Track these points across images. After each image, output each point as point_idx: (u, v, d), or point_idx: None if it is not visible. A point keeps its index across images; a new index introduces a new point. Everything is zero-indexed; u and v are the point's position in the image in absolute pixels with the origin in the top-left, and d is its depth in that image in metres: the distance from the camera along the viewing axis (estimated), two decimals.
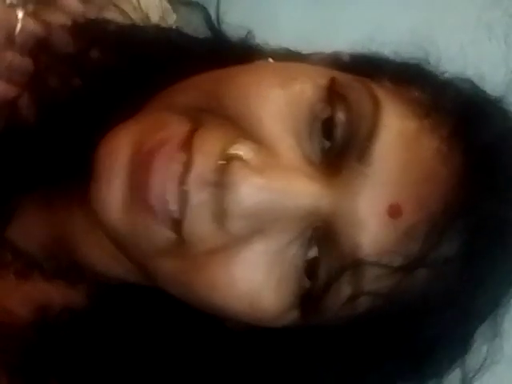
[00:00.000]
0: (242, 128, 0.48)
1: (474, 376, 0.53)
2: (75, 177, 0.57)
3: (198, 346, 0.55)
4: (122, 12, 0.65)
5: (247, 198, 0.46)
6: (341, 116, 0.49)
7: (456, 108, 0.52)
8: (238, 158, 0.46)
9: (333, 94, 0.49)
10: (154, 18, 0.67)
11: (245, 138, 0.48)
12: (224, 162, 0.46)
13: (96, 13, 0.63)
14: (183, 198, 0.46)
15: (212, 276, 0.49)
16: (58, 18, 0.61)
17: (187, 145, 0.47)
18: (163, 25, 0.67)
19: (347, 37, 0.79)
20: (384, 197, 0.48)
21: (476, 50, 0.83)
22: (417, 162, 0.49)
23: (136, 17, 0.66)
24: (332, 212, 0.48)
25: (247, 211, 0.47)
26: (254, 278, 0.49)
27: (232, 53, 0.60)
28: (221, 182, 0.46)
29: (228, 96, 0.49)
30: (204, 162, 0.46)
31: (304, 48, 0.65)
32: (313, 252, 0.49)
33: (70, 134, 0.57)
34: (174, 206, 0.47)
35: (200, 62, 0.56)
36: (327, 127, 0.49)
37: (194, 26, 0.63)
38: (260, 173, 0.46)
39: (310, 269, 0.50)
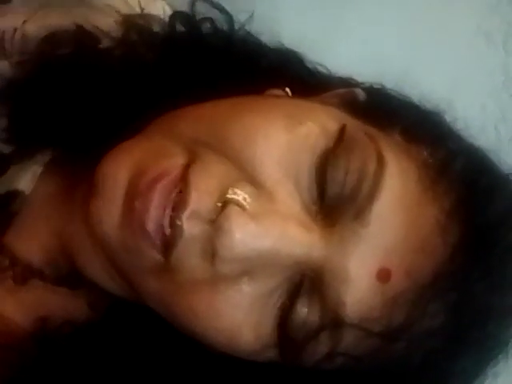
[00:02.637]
0: (242, 169, 0.48)
1: None
2: (80, 184, 0.57)
3: (180, 363, 0.55)
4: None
5: (240, 244, 0.46)
6: (343, 169, 0.48)
7: (463, 179, 0.51)
8: (235, 202, 0.46)
9: (340, 142, 0.49)
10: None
11: (244, 181, 0.48)
12: (221, 204, 0.47)
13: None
14: (176, 229, 0.47)
15: (195, 305, 0.49)
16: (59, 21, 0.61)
17: (184, 179, 0.47)
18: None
19: (348, 41, 0.79)
20: (375, 259, 0.47)
21: (475, 56, 0.83)
22: (414, 229, 0.48)
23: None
24: (322, 264, 0.48)
25: (237, 257, 0.47)
26: (235, 316, 0.49)
27: (243, 76, 0.60)
28: (215, 222, 0.47)
29: (233, 136, 0.49)
30: (200, 200, 0.47)
31: (305, 52, 0.66)
32: (298, 298, 0.49)
33: (78, 143, 0.58)
34: (167, 232, 0.47)
35: (209, 87, 0.56)
36: (327, 178, 0.48)
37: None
38: (256, 220, 0.46)
39: (293, 315, 0.49)
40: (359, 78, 0.66)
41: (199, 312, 0.49)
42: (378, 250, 0.47)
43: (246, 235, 0.46)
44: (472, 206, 0.50)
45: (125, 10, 0.65)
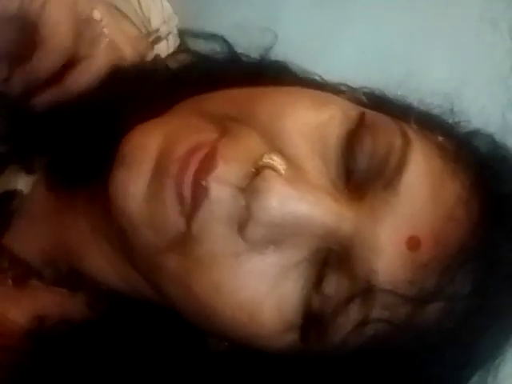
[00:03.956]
0: (272, 142, 0.49)
1: None
2: (83, 183, 0.57)
3: (177, 363, 0.54)
4: (124, 16, 0.65)
5: (279, 206, 0.46)
6: (369, 144, 0.50)
7: (478, 158, 0.54)
8: (272, 167, 0.47)
9: (363, 125, 0.50)
10: (156, 21, 0.67)
11: (277, 151, 0.48)
12: (254, 170, 0.47)
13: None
14: (201, 189, 0.47)
15: (216, 279, 0.48)
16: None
17: (215, 150, 0.47)
18: (165, 28, 0.67)
19: (350, 40, 0.79)
20: (405, 228, 0.48)
21: (480, 44, 0.83)
22: (439, 200, 0.49)
23: (137, 20, 0.66)
24: (352, 235, 0.48)
25: (273, 220, 0.46)
26: (258, 289, 0.48)
27: (265, 74, 0.61)
28: (248, 187, 0.46)
29: (262, 111, 0.50)
30: (228, 166, 0.47)
31: (307, 52, 0.65)
32: (324, 273, 0.49)
33: (86, 138, 0.57)
34: (188, 195, 0.47)
35: (233, 77, 0.58)
36: (356, 153, 0.50)
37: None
38: (292, 185, 0.47)
39: (319, 290, 0.49)
40: (364, 74, 0.65)
41: (221, 286, 0.48)
42: (408, 219, 0.48)
43: (285, 198, 0.46)
44: (489, 180, 0.52)
45: (124, 8, 0.65)
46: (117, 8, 0.65)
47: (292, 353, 0.51)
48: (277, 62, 0.64)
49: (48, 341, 0.54)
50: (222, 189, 0.47)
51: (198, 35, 0.65)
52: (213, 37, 0.64)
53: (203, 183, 0.46)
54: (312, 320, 0.49)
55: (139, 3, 0.67)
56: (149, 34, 0.66)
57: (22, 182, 0.60)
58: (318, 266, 0.49)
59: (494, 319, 0.51)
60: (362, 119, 0.50)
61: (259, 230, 0.47)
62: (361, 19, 0.80)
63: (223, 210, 0.47)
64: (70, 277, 0.57)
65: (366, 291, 0.48)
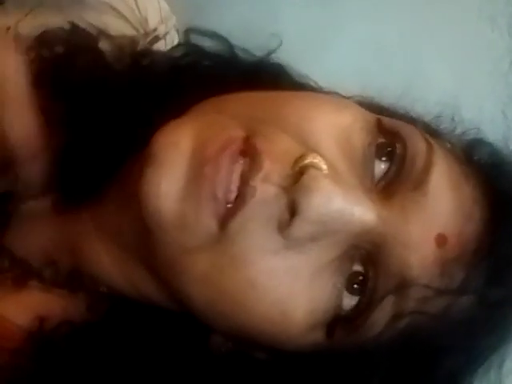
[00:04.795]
0: (306, 144, 0.49)
1: None
2: (90, 183, 0.57)
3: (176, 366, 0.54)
4: (120, 15, 0.64)
5: (326, 204, 0.47)
6: (398, 145, 0.51)
7: (482, 163, 0.57)
8: (315, 166, 0.47)
9: (383, 128, 0.52)
10: (153, 21, 0.67)
11: (313, 152, 0.49)
12: (298, 169, 0.47)
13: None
14: (249, 189, 0.47)
15: (253, 276, 0.48)
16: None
17: (251, 147, 0.47)
18: (163, 28, 0.66)
19: (349, 39, 0.79)
20: (434, 226, 0.50)
21: (480, 41, 0.82)
22: (459, 201, 0.52)
23: (134, 20, 0.65)
24: (385, 232, 0.49)
25: (321, 217, 0.47)
26: (294, 286, 0.49)
27: (264, 77, 0.62)
28: (295, 186, 0.47)
29: (290, 113, 0.50)
30: (274, 165, 0.47)
31: (305, 51, 0.65)
32: (357, 270, 0.51)
33: (102, 136, 0.57)
34: (233, 196, 0.47)
35: (254, 81, 0.58)
36: (382, 153, 0.52)
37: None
38: (336, 183, 0.48)
39: (353, 287, 0.50)
40: (363, 72, 0.65)
41: (258, 282, 0.48)
42: (436, 218, 0.50)
43: (333, 196, 0.47)
44: (495, 183, 0.55)
45: (121, 7, 0.65)
46: (112, 7, 0.64)
47: (314, 350, 0.51)
48: (276, 64, 0.64)
49: (48, 342, 0.53)
50: (267, 188, 0.47)
51: (202, 33, 0.65)
52: (215, 36, 0.64)
53: (251, 182, 0.47)
54: (342, 317, 0.50)
55: (136, 3, 0.67)
56: (146, 33, 0.66)
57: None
58: (349, 264, 0.50)
59: (502, 315, 0.53)
60: (379, 124, 0.52)
61: (305, 227, 0.47)
62: (360, 18, 0.79)
63: (266, 209, 0.47)
64: (71, 278, 0.57)
65: (401, 286, 0.49)
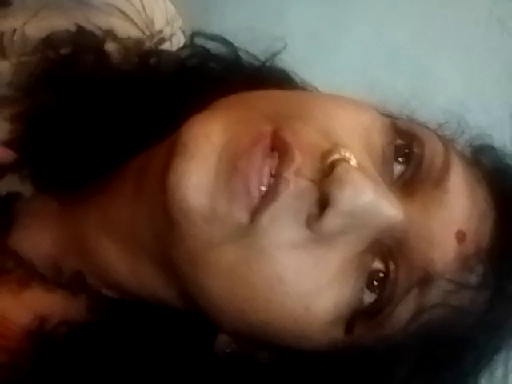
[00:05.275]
0: (332, 139, 0.49)
1: None
2: (96, 181, 0.56)
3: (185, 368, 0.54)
4: (126, 17, 0.64)
5: (357, 195, 0.47)
6: (415, 146, 0.52)
7: (487, 167, 0.58)
8: (346, 160, 0.48)
9: (400, 129, 0.53)
10: (160, 22, 0.67)
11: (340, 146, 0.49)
12: (327, 162, 0.48)
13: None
14: (282, 182, 0.47)
15: (280, 269, 0.48)
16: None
17: (281, 141, 0.47)
18: (169, 29, 0.66)
19: (355, 37, 0.78)
20: (454, 222, 0.51)
21: (488, 43, 0.82)
22: (475, 200, 0.53)
23: (140, 21, 0.65)
24: (408, 228, 0.50)
25: (352, 209, 0.47)
26: (320, 281, 0.49)
27: (268, 80, 0.62)
28: (329, 179, 0.47)
29: (315, 110, 0.51)
30: (305, 158, 0.47)
31: (312, 51, 0.65)
32: (377, 267, 0.51)
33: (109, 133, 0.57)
34: (265, 189, 0.47)
35: (258, 85, 0.58)
36: (399, 154, 0.52)
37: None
38: (368, 177, 0.48)
39: (373, 283, 0.51)
40: (370, 72, 0.65)
41: (285, 276, 0.48)
42: (456, 215, 0.52)
43: (365, 189, 0.47)
44: (502, 185, 0.56)
45: (127, 9, 0.64)
46: (119, 9, 0.64)
47: (331, 348, 0.51)
48: (279, 69, 0.64)
49: (48, 341, 0.53)
50: (299, 181, 0.47)
51: (208, 37, 0.65)
52: (222, 40, 0.64)
53: (284, 175, 0.47)
54: (362, 313, 0.50)
55: (142, 4, 0.67)
56: (152, 35, 0.66)
57: (25, 184, 0.59)
58: (371, 260, 0.51)
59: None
60: (395, 126, 0.53)
61: (337, 220, 0.47)
62: (367, 17, 0.79)
63: (297, 202, 0.47)
64: (74, 279, 0.56)
65: (424, 280, 0.50)
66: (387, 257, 0.51)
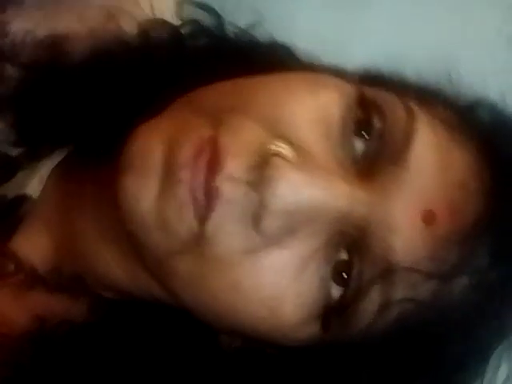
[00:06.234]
0: (272, 129, 0.48)
1: None
2: (89, 185, 0.57)
3: (191, 366, 0.53)
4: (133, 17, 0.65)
5: (291, 193, 0.46)
6: (376, 120, 0.49)
7: (482, 127, 0.54)
8: (279, 154, 0.46)
9: (364, 101, 0.50)
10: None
11: (280, 138, 0.47)
12: (260, 160, 0.46)
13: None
14: (212, 191, 0.46)
15: (235, 277, 0.47)
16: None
17: (215, 144, 0.47)
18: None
19: (364, 39, 0.78)
20: (419, 202, 0.47)
21: (496, 61, 0.82)
22: (449, 170, 0.49)
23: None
24: (366, 215, 0.47)
25: (288, 207, 0.46)
26: (279, 283, 0.48)
27: (257, 61, 0.61)
28: (257, 179, 0.46)
29: (258, 99, 0.49)
30: (235, 161, 0.46)
31: (321, 49, 0.65)
32: (342, 259, 0.49)
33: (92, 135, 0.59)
34: (202, 198, 0.47)
35: (223, 69, 0.57)
36: (360, 130, 0.49)
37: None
38: (302, 170, 0.46)
39: (339, 276, 0.49)
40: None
41: (241, 283, 0.48)
42: (420, 193, 0.47)
43: (298, 184, 0.45)
44: (496, 148, 0.52)
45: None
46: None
47: (313, 344, 0.50)
48: (266, 43, 0.64)
49: (48, 341, 0.53)
50: (233, 186, 0.46)
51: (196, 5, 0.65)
52: (209, 10, 0.64)
53: (215, 184, 0.46)
54: (333, 308, 0.48)
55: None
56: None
57: (32, 187, 0.60)
58: (334, 253, 0.48)
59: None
60: (361, 97, 0.50)
61: (275, 221, 0.46)
62: (375, 20, 0.79)
63: (237, 208, 0.46)
64: (74, 282, 0.57)
65: (386, 271, 0.47)
66: (351, 248, 0.48)
